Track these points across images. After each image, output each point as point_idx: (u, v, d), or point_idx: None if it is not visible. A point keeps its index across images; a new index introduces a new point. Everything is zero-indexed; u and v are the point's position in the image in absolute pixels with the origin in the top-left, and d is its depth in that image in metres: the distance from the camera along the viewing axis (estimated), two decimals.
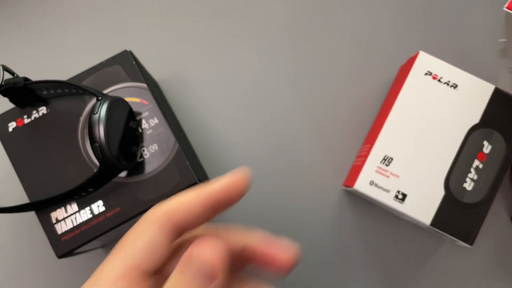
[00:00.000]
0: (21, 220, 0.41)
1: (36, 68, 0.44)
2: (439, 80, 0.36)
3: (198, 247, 0.18)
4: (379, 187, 0.35)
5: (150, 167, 0.33)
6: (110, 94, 0.34)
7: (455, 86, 0.36)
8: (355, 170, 0.38)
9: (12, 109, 0.34)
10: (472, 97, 0.36)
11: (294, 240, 0.41)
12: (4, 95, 0.32)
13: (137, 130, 0.33)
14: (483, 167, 0.35)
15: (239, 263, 0.21)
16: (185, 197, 0.19)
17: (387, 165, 0.36)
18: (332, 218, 0.41)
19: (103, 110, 0.29)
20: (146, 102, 0.34)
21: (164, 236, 0.19)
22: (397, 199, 0.35)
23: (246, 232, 0.21)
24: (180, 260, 0.18)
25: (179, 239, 0.20)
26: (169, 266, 0.20)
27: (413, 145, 0.36)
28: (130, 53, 0.35)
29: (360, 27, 0.44)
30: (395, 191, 0.35)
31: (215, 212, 0.20)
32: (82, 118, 0.34)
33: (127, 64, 0.35)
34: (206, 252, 0.18)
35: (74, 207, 0.33)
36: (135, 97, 0.34)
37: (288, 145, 0.42)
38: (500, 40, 0.34)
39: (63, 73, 0.41)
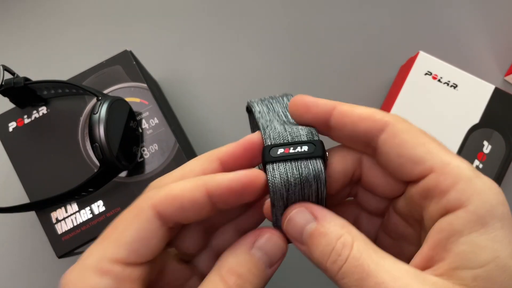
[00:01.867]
0: (21, 220, 0.41)
1: (36, 68, 0.44)
2: (439, 80, 0.37)
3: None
4: None
5: (151, 167, 0.33)
6: (110, 94, 0.34)
7: (455, 86, 0.36)
8: None
9: (12, 109, 0.34)
10: (472, 97, 0.36)
11: None
12: (4, 95, 0.32)
13: (137, 130, 0.33)
14: (483, 167, 0.35)
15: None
16: (185, 186, 0.18)
17: None
18: None
19: (103, 110, 0.29)
20: (146, 102, 0.34)
21: (158, 226, 0.18)
22: None
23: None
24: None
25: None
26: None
27: None
28: (130, 53, 0.35)
29: (360, 27, 0.44)
30: None
31: (217, 209, 0.19)
32: (82, 118, 0.34)
33: (127, 64, 0.35)
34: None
35: (74, 207, 0.33)
36: (135, 97, 0.34)
37: None
38: None
39: (63, 73, 0.41)
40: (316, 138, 0.20)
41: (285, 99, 0.22)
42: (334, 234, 0.18)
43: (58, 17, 0.45)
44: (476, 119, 0.36)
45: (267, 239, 0.20)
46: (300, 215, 0.19)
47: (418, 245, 0.18)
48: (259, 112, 0.22)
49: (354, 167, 0.21)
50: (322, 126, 0.20)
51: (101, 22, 0.45)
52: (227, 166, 0.20)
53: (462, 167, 0.17)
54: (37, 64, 0.44)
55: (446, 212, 0.17)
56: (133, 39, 0.44)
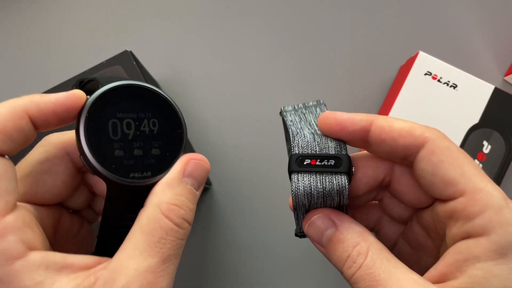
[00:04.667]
0: None
1: (36, 68, 0.44)
2: (438, 80, 0.37)
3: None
4: None
5: None
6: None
7: (454, 86, 0.36)
8: None
9: None
10: (471, 97, 0.36)
11: (297, 239, 0.41)
12: None
13: (165, 120, 0.23)
14: (482, 167, 0.35)
15: None
16: (2, 114, 0.18)
17: None
18: None
19: (88, 102, 0.20)
20: None
21: (26, 120, 0.18)
22: None
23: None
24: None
25: None
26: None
27: None
28: (131, 53, 0.35)
29: (360, 27, 0.44)
30: None
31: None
32: None
33: (127, 64, 0.35)
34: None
35: None
36: None
37: None
38: None
39: (63, 73, 0.41)
40: (344, 152, 0.20)
41: (318, 109, 0.22)
42: (351, 241, 0.19)
43: (58, 17, 0.45)
44: (475, 119, 0.36)
45: (194, 165, 0.21)
46: (321, 221, 0.20)
47: (436, 257, 0.19)
48: (291, 121, 0.22)
49: (385, 173, 0.21)
50: (358, 142, 0.20)
51: (101, 22, 0.45)
52: (38, 122, 0.19)
53: (494, 195, 0.17)
54: (37, 64, 0.44)
55: (468, 236, 0.17)
56: (133, 39, 0.44)
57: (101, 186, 0.24)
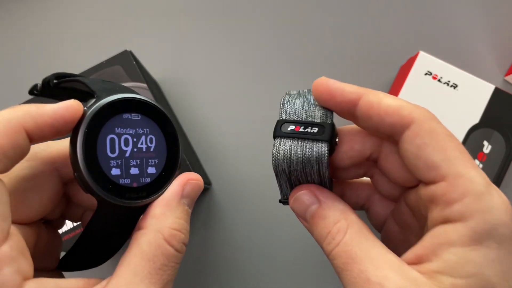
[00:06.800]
0: None
1: (36, 68, 0.44)
2: (439, 80, 0.36)
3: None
4: None
5: None
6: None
7: (455, 86, 0.36)
8: None
9: None
10: (472, 97, 0.36)
11: (297, 239, 0.41)
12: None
13: (161, 138, 0.22)
14: (483, 167, 0.35)
15: None
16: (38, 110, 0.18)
17: None
18: None
19: (87, 118, 0.19)
20: None
21: (22, 134, 0.17)
22: None
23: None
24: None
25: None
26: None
27: None
28: (130, 53, 0.35)
29: (360, 27, 0.44)
30: None
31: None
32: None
33: (127, 64, 0.35)
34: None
35: None
36: None
37: None
38: None
39: None
40: (329, 121, 0.20)
41: None
42: (332, 218, 0.19)
43: (58, 17, 0.45)
44: (476, 119, 0.36)
45: (192, 186, 0.21)
46: (305, 197, 0.20)
47: (421, 237, 0.18)
48: (288, 92, 0.22)
49: (372, 150, 0.21)
50: (346, 114, 0.20)
51: (101, 22, 0.45)
52: (34, 136, 0.18)
53: (475, 181, 0.17)
54: (37, 64, 0.44)
55: (446, 221, 0.17)
56: (133, 39, 0.44)
57: (81, 196, 0.23)
